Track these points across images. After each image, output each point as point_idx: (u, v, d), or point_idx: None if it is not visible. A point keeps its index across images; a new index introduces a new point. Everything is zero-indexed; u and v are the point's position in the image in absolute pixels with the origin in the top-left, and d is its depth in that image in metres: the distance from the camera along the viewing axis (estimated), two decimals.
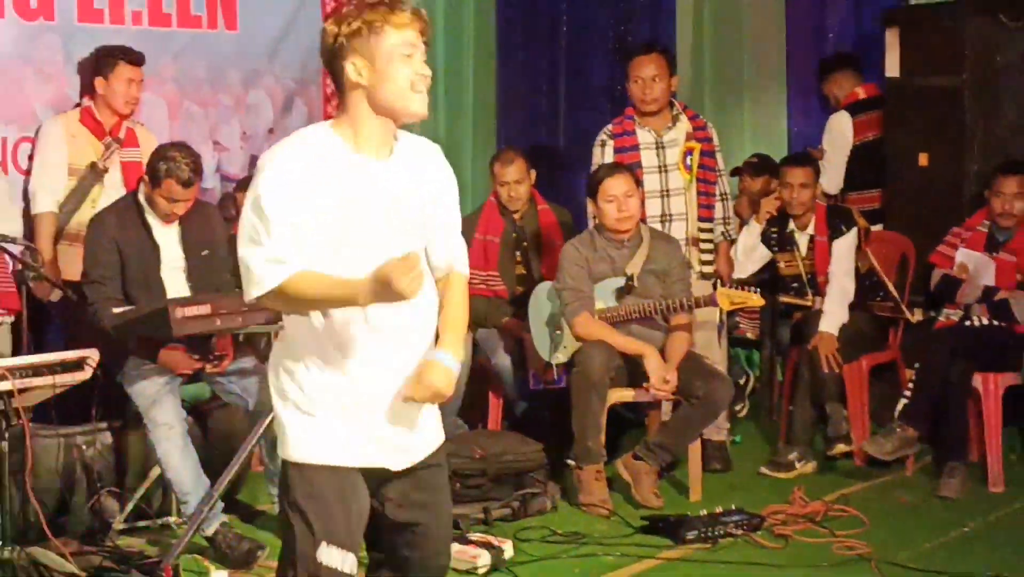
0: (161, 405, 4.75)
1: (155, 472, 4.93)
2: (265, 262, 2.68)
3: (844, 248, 6.07)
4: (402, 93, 2.74)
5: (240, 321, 4.57)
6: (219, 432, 5.26)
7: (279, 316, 4.54)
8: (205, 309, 4.44)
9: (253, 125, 6.79)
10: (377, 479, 2.90)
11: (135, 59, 5.71)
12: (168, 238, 4.99)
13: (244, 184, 6.34)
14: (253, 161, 6.79)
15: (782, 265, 6.22)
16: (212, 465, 4.88)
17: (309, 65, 6.99)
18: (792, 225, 6.20)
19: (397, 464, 2.90)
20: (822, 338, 5.91)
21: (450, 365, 2.84)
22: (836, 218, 6.17)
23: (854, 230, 6.13)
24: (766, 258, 6.27)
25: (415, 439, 2.95)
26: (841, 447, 5.94)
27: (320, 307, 2.76)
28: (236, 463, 4.60)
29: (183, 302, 4.50)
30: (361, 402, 2.85)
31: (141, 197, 4.99)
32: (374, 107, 2.77)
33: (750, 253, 6.32)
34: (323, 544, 2.79)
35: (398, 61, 2.72)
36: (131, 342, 4.76)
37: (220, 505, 4.75)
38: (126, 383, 4.83)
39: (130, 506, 4.99)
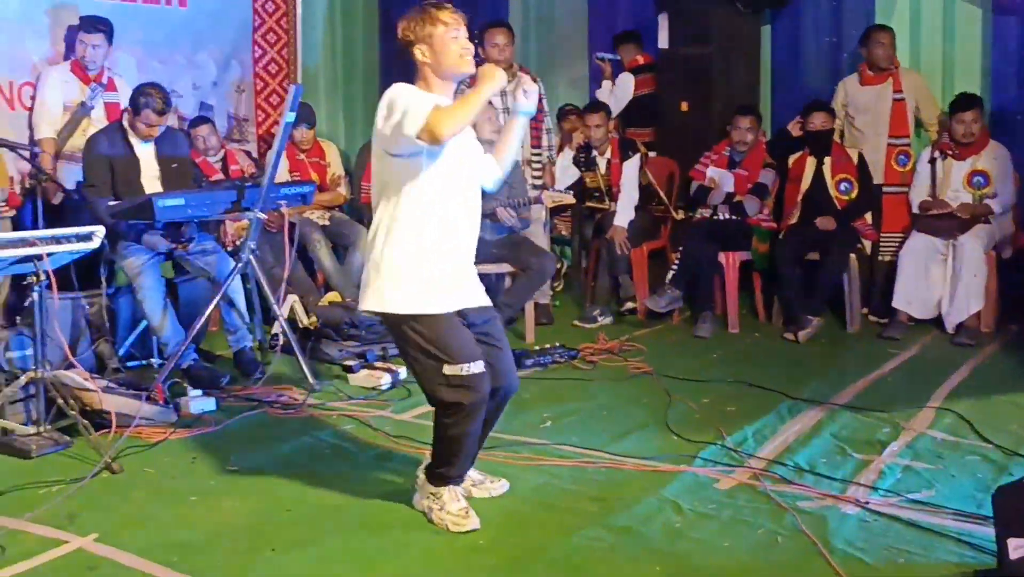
0: (145, 275, 4.70)
1: (142, 325, 4.90)
2: (413, 111, 2.82)
3: (630, 168, 6.21)
4: (455, 61, 2.96)
5: (207, 211, 4.55)
6: (188, 299, 5.20)
7: (238, 207, 4.58)
8: (180, 201, 4.40)
9: (201, 78, 6.63)
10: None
11: (87, 27, 5.51)
12: (146, 154, 4.89)
13: (196, 122, 6.24)
14: (202, 105, 6.67)
15: (588, 180, 6.36)
16: (183, 322, 4.87)
17: (241, 35, 6.88)
18: (595, 152, 6.36)
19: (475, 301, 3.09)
20: (616, 229, 6.07)
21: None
22: (625, 147, 6.31)
23: (637, 155, 6.29)
24: (576, 175, 6.42)
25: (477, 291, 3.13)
26: (629, 304, 6.15)
27: (470, 110, 2.86)
28: (204, 315, 4.60)
29: (163, 195, 4.45)
30: (447, 270, 3.00)
31: (125, 123, 4.88)
32: (438, 75, 3.00)
33: (565, 171, 6.47)
34: (449, 365, 2.93)
35: (450, 41, 2.95)
36: (121, 228, 4.69)
37: (192, 347, 4.76)
38: (118, 260, 4.77)
39: (121, 351, 4.96)
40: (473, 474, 3.35)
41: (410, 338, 2.98)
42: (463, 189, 3.07)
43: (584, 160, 6.37)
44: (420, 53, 2.99)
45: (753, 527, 3.06)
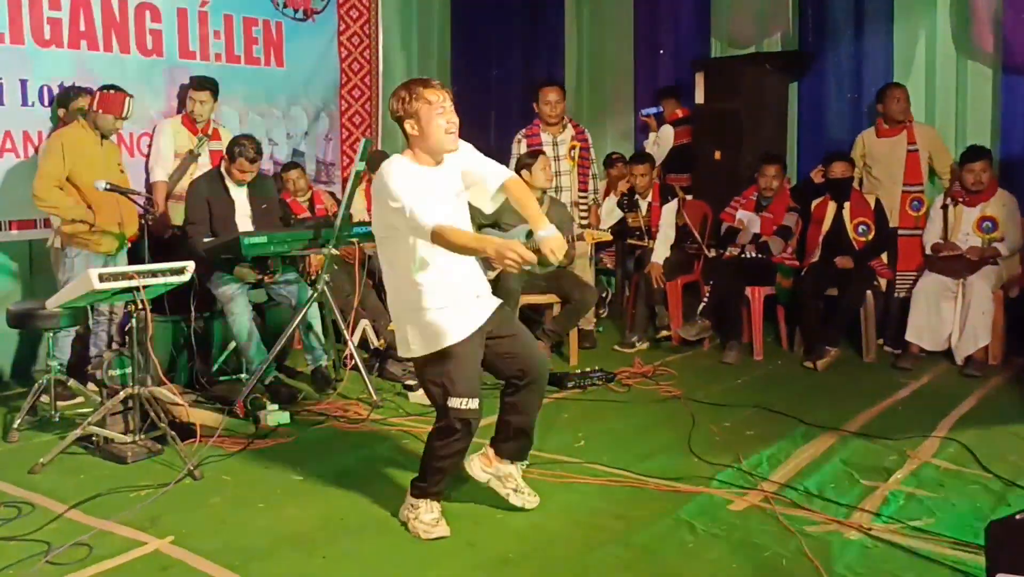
0: (235, 302, 4.71)
1: (231, 345, 4.93)
2: (418, 215, 2.73)
3: (669, 211, 6.11)
4: (440, 137, 2.89)
5: (286, 247, 4.54)
6: (273, 321, 5.22)
7: (314, 244, 4.56)
8: (263, 239, 4.40)
9: (294, 129, 6.67)
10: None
11: (196, 85, 5.58)
12: (240, 196, 4.93)
13: (287, 167, 6.26)
14: (295, 152, 6.70)
15: (630, 220, 6.26)
16: (268, 342, 4.87)
17: (330, 91, 6.90)
18: (638, 196, 6.25)
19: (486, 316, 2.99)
20: (652, 265, 5.97)
21: (556, 233, 2.94)
22: (665, 192, 6.20)
23: (676, 200, 6.18)
24: (619, 216, 6.31)
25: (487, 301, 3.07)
26: (664, 332, 6.01)
27: (464, 250, 2.79)
28: (284, 337, 4.60)
29: (249, 233, 4.46)
30: (453, 301, 2.93)
31: (223, 169, 4.93)
32: (425, 150, 2.93)
33: (611, 213, 6.37)
34: (450, 398, 2.90)
35: (435, 117, 2.86)
36: (216, 260, 4.72)
37: (273, 365, 4.75)
38: (212, 288, 4.78)
39: (215, 367, 4.99)
40: (517, 478, 3.28)
41: (427, 372, 2.98)
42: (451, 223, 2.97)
43: (628, 203, 6.28)
44: (409, 127, 2.94)
45: (760, 549, 2.90)
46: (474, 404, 2.93)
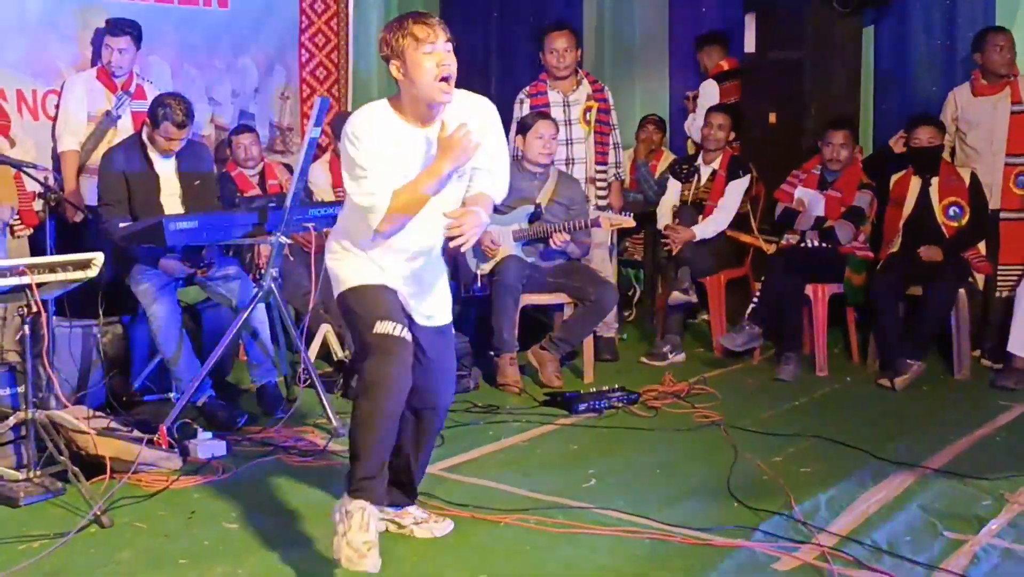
0: (159, 303, 4.68)
1: (157, 357, 4.90)
2: (368, 196, 2.94)
3: (736, 189, 6.10)
4: (427, 83, 2.92)
5: (223, 233, 4.50)
6: (210, 327, 5.19)
7: (260, 230, 4.53)
8: (193, 224, 4.36)
9: (241, 85, 6.65)
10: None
11: (113, 30, 5.54)
12: (166, 169, 4.88)
13: (239, 130, 6.22)
14: (243, 114, 6.68)
15: (683, 192, 6.23)
16: (205, 353, 4.85)
17: (286, 37, 6.89)
18: (700, 160, 6.23)
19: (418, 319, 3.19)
20: (684, 231, 5.96)
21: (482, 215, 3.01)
22: (737, 164, 6.17)
23: (747, 177, 6.13)
24: (678, 189, 6.28)
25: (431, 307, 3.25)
26: (676, 295, 5.84)
27: (411, 210, 2.98)
28: (221, 347, 4.55)
29: (175, 217, 4.43)
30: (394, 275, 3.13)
31: (144, 136, 4.89)
32: (413, 96, 2.99)
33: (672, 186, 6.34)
34: (376, 321, 2.99)
35: (423, 58, 2.92)
36: (135, 251, 4.68)
37: (209, 382, 4.71)
38: (132, 285, 4.75)
39: (136, 384, 4.96)
40: (415, 512, 3.41)
41: (348, 310, 3.12)
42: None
43: (686, 171, 6.25)
44: (395, 69, 2.98)
45: None
46: (404, 333, 3.00)
